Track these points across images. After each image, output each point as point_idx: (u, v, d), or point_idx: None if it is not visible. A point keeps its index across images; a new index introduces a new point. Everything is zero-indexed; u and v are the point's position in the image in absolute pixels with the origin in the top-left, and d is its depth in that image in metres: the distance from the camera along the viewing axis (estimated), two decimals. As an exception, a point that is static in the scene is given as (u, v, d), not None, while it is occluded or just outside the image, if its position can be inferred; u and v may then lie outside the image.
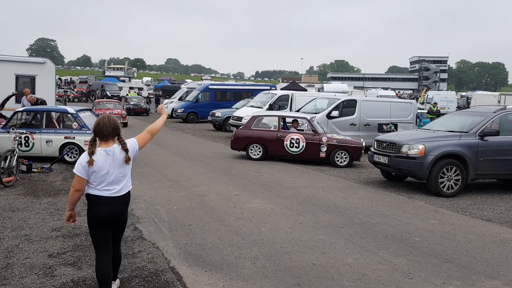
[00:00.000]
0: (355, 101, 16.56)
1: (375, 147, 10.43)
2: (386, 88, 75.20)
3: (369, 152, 10.71)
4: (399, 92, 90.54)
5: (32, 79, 16.83)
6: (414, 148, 9.37)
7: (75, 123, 11.87)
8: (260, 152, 13.17)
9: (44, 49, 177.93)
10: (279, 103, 19.24)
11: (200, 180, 9.88)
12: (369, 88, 77.32)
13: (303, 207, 7.75)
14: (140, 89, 60.63)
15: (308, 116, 16.04)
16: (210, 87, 28.54)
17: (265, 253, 5.35)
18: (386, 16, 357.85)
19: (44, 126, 11.71)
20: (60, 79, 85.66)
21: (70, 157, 11.48)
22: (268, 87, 28.26)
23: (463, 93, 62.06)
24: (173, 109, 29.69)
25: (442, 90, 56.26)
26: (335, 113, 15.88)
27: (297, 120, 13.60)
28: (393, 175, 10.64)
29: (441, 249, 5.77)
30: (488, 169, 9.51)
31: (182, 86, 40.21)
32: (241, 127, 14.02)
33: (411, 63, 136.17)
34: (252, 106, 19.94)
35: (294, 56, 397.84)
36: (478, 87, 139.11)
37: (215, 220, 6.73)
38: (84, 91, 58.44)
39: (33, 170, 10.28)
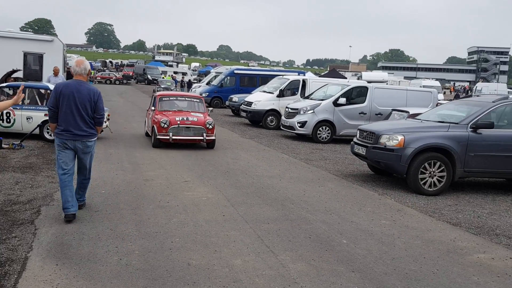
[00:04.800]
0: (366, 88, 15.37)
1: (357, 136, 9.46)
2: (440, 79, 71.32)
3: (351, 142, 9.74)
4: (453, 84, 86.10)
5: (40, 57, 16.95)
6: (393, 139, 8.34)
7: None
8: None
9: (101, 33, 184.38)
10: (292, 89, 18.30)
11: (163, 164, 9.34)
12: (422, 78, 73.66)
13: (245, 198, 7.01)
14: (184, 73, 62.62)
15: (313, 103, 15.21)
16: (235, 71, 27.94)
17: (145, 248, 4.70)
18: (449, 2, 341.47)
19: (25, 103, 11.59)
20: (111, 62, 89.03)
21: (50, 135, 11.25)
22: (297, 73, 27.22)
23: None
24: (200, 93, 29.57)
25: (492, 82, 52.41)
26: (342, 100, 14.78)
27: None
28: (380, 169, 9.61)
29: (363, 256, 4.88)
30: (480, 166, 8.32)
31: (212, 70, 39.96)
32: None
33: (469, 53, 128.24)
34: (264, 91, 19.13)
35: (347, 45, 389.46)
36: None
37: (131, 207, 6.14)
38: (130, 74, 61.50)
39: (3, 146, 10.13)
